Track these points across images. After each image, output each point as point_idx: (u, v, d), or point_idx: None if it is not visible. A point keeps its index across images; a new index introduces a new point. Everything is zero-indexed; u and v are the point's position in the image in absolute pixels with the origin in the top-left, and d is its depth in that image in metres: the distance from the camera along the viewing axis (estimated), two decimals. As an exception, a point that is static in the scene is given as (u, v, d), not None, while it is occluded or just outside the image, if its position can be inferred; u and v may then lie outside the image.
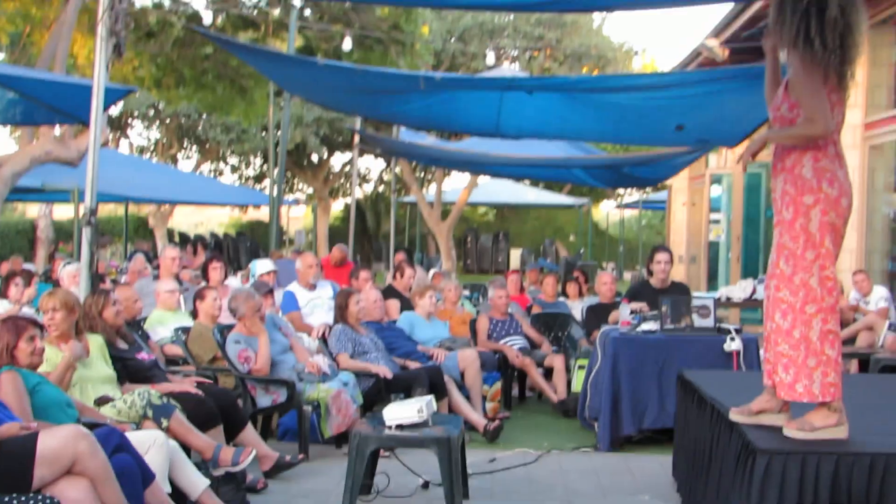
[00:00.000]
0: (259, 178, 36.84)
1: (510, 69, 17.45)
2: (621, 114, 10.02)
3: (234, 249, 23.71)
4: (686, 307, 8.16)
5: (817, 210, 4.35)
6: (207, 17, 14.04)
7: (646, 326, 8.17)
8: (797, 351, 4.38)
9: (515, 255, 33.91)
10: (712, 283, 19.36)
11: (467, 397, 8.60)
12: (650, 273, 9.45)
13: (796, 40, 4.34)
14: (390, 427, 5.81)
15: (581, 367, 9.15)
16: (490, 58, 15.56)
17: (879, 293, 11.29)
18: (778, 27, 4.44)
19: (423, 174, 32.28)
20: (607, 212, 42.84)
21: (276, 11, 16.18)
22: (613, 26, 69.03)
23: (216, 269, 10.41)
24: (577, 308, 11.48)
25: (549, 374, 9.82)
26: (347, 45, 13.76)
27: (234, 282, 11.25)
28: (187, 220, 42.77)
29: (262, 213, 36.35)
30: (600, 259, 33.12)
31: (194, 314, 8.38)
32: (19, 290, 9.72)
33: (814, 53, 4.31)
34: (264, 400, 7.51)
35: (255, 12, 16.85)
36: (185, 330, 8.03)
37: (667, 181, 20.62)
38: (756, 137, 4.46)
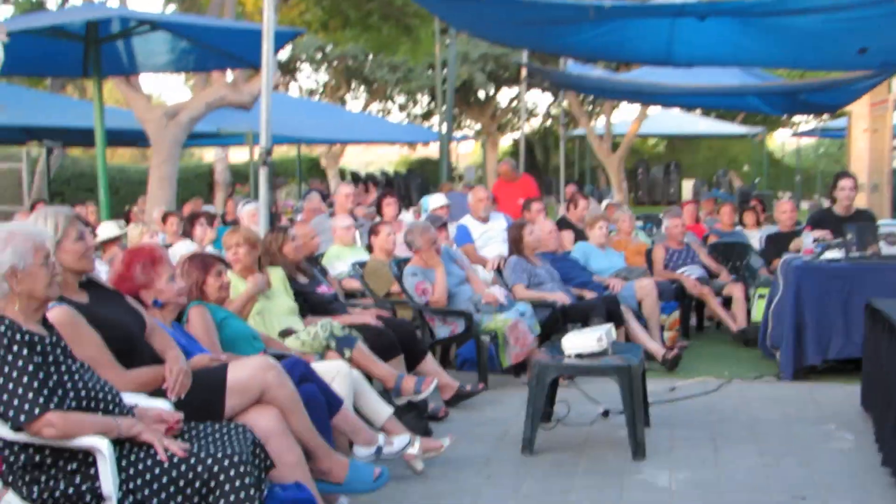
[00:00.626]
0: (426, 116, 37.03)
1: (680, -5, 17.02)
2: (799, 38, 9.66)
3: (404, 186, 23.97)
4: (873, 234, 7.87)
5: None
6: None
7: (830, 255, 7.92)
8: None
9: (687, 186, 33.29)
10: (896, 212, 18.66)
11: (645, 327, 8.52)
12: (833, 201, 9.14)
13: None
14: (570, 356, 5.80)
15: (761, 297, 8.97)
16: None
17: None
18: None
19: (591, 107, 31.89)
20: (783, 141, 41.66)
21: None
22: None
23: (390, 205, 10.54)
24: (754, 237, 11.23)
25: (727, 303, 9.65)
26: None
27: (408, 217, 11.37)
28: (357, 159, 43.43)
29: (431, 151, 36.68)
30: (776, 189, 32.20)
31: (370, 249, 8.51)
32: (203, 230, 10.02)
33: None
34: (442, 331, 7.59)
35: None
36: (362, 264, 8.17)
37: (846, 107, 19.90)
38: None
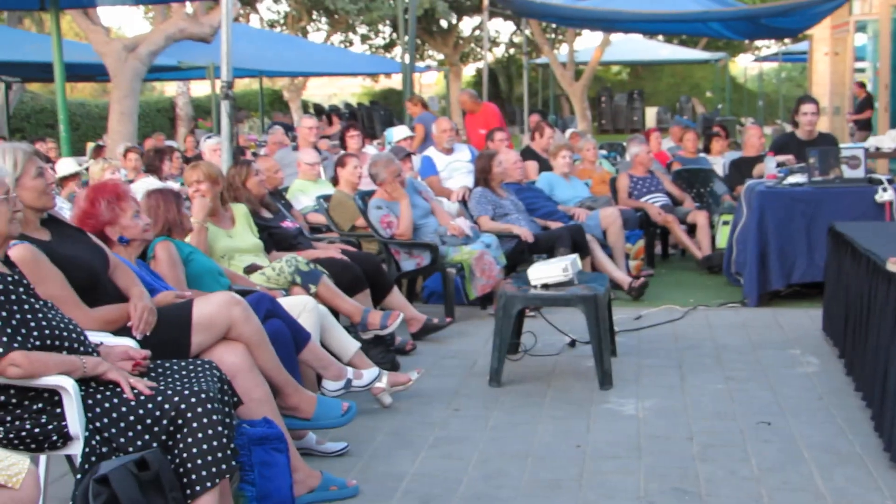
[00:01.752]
0: (389, 47, 36.68)
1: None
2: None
3: (368, 118, 23.79)
4: (835, 158, 7.91)
5: None
6: None
7: (793, 179, 7.96)
8: None
9: (651, 114, 33.36)
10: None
11: (610, 256, 8.54)
12: (795, 125, 9.15)
13: None
14: (536, 286, 5.80)
15: (725, 223, 9.02)
16: None
17: None
18: None
19: (554, 35, 31.70)
20: (745, 66, 41.64)
21: None
22: None
23: (353, 137, 10.48)
24: (718, 164, 11.25)
25: (692, 230, 9.68)
26: None
27: (372, 149, 11.29)
28: (321, 91, 43.01)
29: (394, 82, 36.34)
30: (739, 115, 32.30)
31: (335, 182, 8.46)
32: (174, 166, 9.91)
33: None
34: (408, 264, 7.58)
35: None
36: (327, 198, 8.12)
37: (808, 31, 19.87)
38: None
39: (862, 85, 20.88)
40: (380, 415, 5.19)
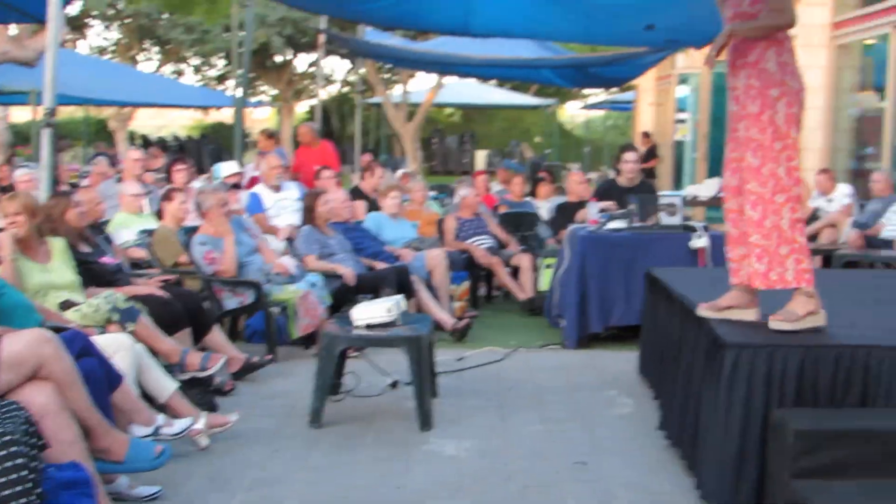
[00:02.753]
0: (221, 79, 36.28)
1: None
2: (591, 13, 9.87)
3: (197, 152, 23.46)
4: (654, 205, 8.17)
5: (783, 102, 4.43)
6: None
7: (614, 225, 8.18)
8: (769, 240, 4.45)
9: (481, 157, 33.77)
10: (678, 182, 19.42)
11: (435, 297, 8.59)
12: (618, 172, 9.42)
13: None
14: (359, 326, 5.80)
15: (548, 266, 9.19)
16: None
17: (843, 190, 11.37)
18: None
19: (388, 75, 31.90)
20: (573, 113, 42.67)
21: None
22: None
23: (180, 172, 10.30)
24: (543, 208, 11.48)
25: (516, 273, 9.83)
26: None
27: (199, 184, 11.12)
28: (149, 122, 42.13)
29: (225, 115, 35.96)
30: (566, 160, 33.03)
31: (159, 216, 8.29)
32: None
33: None
34: (231, 302, 7.47)
35: None
36: (149, 232, 7.94)
37: (633, 81, 20.52)
38: (720, 34, 4.44)
39: (647, 135, 21.78)
40: (196, 457, 5.08)
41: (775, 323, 4.48)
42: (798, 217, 4.48)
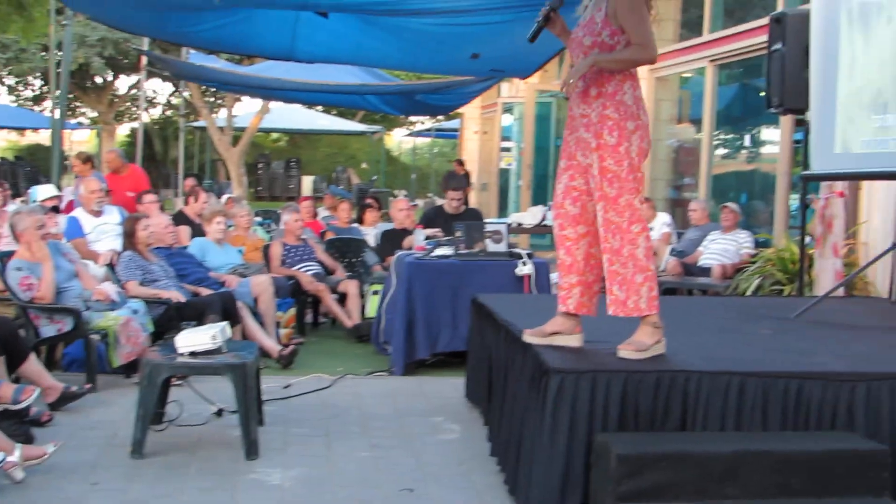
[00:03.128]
0: (38, 100, 35.23)
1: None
2: (417, 40, 9.97)
3: (12, 174, 22.69)
4: (479, 233, 8.27)
5: (637, 136, 4.53)
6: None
7: (440, 251, 8.24)
8: (626, 268, 4.53)
9: (307, 182, 33.70)
10: (503, 209, 19.77)
11: (261, 324, 8.50)
12: (445, 198, 9.53)
13: None
14: (183, 354, 5.68)
15: (375, 293, 9.20)
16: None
17: (662, 219, 11.76)
18: None
19: (213, 98, 31.49)
20: (400, 139, 42.96)
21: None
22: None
23: (-7, 195, 9.93)
24: (370, 234, 11.50)
25: (342, 299, 9.81)
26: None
27: (14, 208, 10.74)
28: (-39, 144, 40.63)
29: (42, 137, 34.90)
30: (393, 186, 33.22)
31: (-30, 241, 7.97)
32: None
33: None
34: (49, 329, 7.22)
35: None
36: (-40, 258, 7.63)
37: (459, 109, 20.82)
38: (582, 62, 4.48)
39: (460, 163, 22.24)
40: (10, 491, 4.87)
41: (625, 352, 4.57)
42: (650, 245, 4.60)
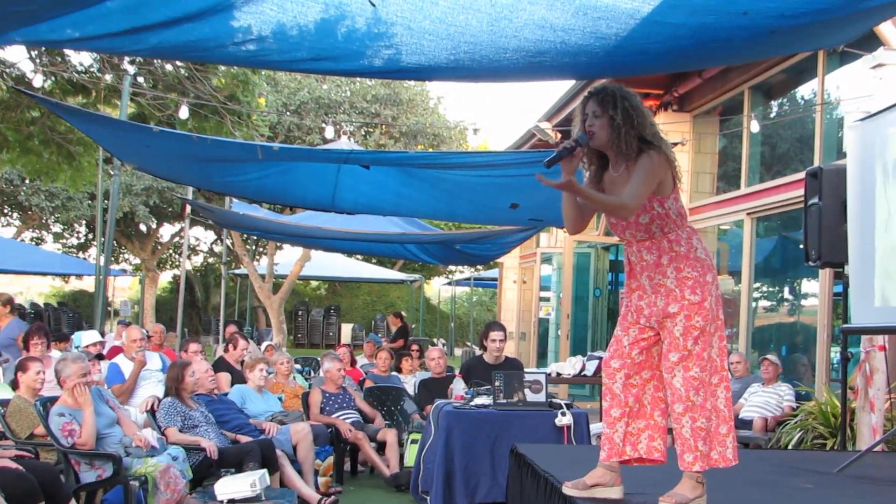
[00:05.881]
0: (83, 247, 35.86)
1: (347, 143, 17.63)
2: (456, 191, 10.14)
3: (55, 320, 22.96)
4: (518, 382, 8.25)
5: (713, 286, 4.52)
6: (36, 81, 13.59)
7: (479, 401, 8.23)
8: (710, 422, 4.48)
9: (347, 330, 33.83)
10: (542, 359, 19.72)
11: (300, 471, 8.47)
12: (484, 349, 9.55)
13: (645, 144, 4.51)
14: (222, 502, 5.67)
15: (414, 442, 9.14)
16: (329, 132, 15.55)
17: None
18: (615, 142, 4.56)
19: (254, 246, 31.97)
20: (439, 288, 43.21)
21: (109, 77, 15.83)
22: (449, 106, 70.04)
23: (37, 346, 9.96)
24: (409, 382, 11.50)
25: (381, 448, 9.76)
26: (183, 114, 13.50)
27: (58, 354, 10.85)
28: (6, 289, 41.23)
29: (86, 283, 35.43)
30: (432, 334, 33.29)
31: (14, 386, 8.04)
32: None
33: (660, 150, 4.49)
34: (88, 475, 7.22)
35: (87, 77, 16.45)
36: (4, 403, 7.70)
37: (498, 259, 20.98)
38: (562, 182, 4.44)
39: (399, 315, 22.50)
40: None
41: None
42: (729, 396, 4.57)
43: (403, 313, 23.21)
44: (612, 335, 4.82)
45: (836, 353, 10.58)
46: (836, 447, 8.40)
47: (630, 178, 4.48)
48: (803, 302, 13.00)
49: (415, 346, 14.15)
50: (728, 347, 12.60)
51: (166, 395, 8.37)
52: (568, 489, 4.84)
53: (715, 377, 4.52)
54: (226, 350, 11.22)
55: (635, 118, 4.51)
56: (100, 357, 9.57)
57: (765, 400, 10.29)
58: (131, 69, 14.89)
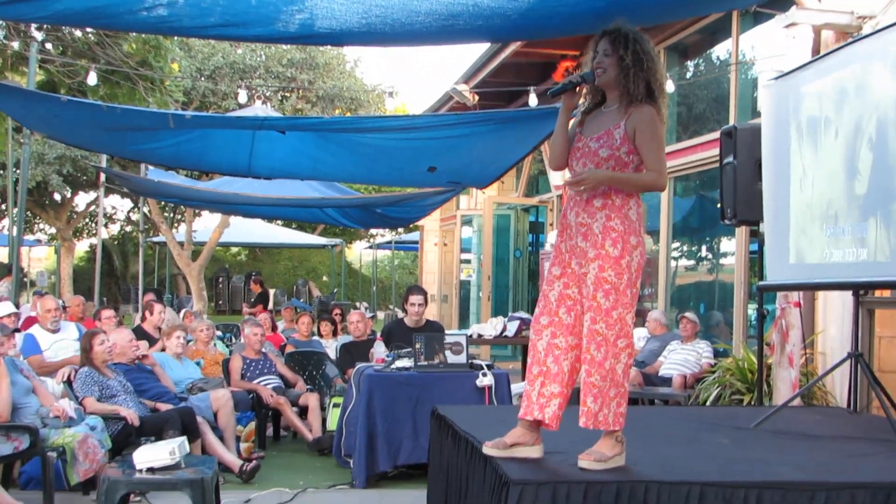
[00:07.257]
0: (-5, 218, 35.16)
1: (262, 109, 17.46)
2: (374, 155, 10.11)
3: (-32, 292, 22.49)
4: (439, 344, 8.29)
5: (638, 252, 4.52)
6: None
7: (400, 363, 8.25)
8: (605, 382, 4.50)
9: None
10: (464, 321, 19.81)
11: (221, 438, 8.44)
12: (405, 312, 9.57)
13: (649, 93, 4.56)
14: (141, 470, 5.63)
15: (336, 406, 9.16)
16: (242, 96, 15.32)
17: (639, 333, 11.79)
18: (622, 83, 4.58)
19: (172, 214, 31.56)
20: (360, 252, 43.13)
21: (15, 44, 15.47)
22: (366, 70, 69.55)
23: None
24: (331, 347, 11.50)
25: (303, 412, 9.76)
26: (92, 80, 13.24)
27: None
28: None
29: (0, 255, 34.70)
30: (353, 299, 33.25)
31: (-74, 359, 7.89)
32: None
33: (659, 108, 4.56)
34: (5, 447, 7.11)
35: (-7, 44, 16.06)
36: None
37: (419, 222, 20.99)
38: (600, 174, 4.47)
39: (258, 281, 22.75)
40: None
41: (585, 463, 4.53)
42: (630, 363, 4.58)
43: (261, 279, 23.32)
44: (540, 292, 4.85)
45: (753, 310, 10.75)
46: (753, 402, 8.55)
47: (640, 141, 4.53)
48: (721, 260, 13.19)
49: (337, 310, 14.10)
50: (649, 307, 12.83)
51: (81, 365, 8.27)
52: (488, 449, 4.84)
53: (622, 340, 4.51)
54: (143, 318, 11.10)
55: (645, 62, 4.55)
56: (16, 331, 9.38)
57: (683, 357, 10.44)
58: (39, 35, 14.57)
